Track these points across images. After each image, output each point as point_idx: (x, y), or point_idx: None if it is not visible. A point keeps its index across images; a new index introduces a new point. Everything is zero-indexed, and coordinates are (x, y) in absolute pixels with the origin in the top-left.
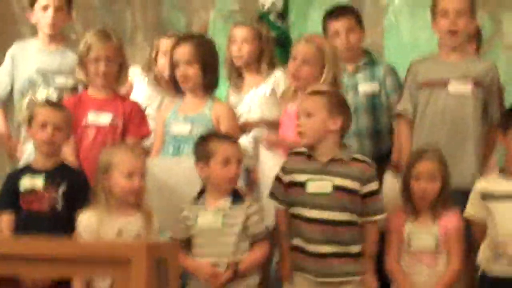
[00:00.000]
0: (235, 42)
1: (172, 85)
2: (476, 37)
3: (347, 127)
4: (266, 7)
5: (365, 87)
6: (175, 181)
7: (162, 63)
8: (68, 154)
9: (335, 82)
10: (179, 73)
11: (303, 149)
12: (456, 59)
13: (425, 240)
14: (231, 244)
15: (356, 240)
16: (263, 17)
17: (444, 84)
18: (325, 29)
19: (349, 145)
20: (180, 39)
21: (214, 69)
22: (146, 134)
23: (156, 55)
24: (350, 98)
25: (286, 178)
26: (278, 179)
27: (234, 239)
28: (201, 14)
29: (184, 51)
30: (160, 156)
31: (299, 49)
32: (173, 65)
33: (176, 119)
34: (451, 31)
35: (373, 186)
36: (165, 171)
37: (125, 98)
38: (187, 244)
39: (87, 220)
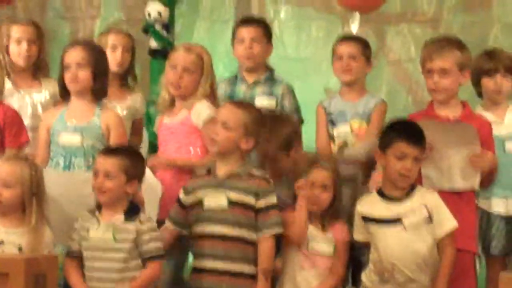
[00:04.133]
0: (116, 49)
1: (59, 90)
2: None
3: (255, 147)
4: (152, 17)
5: (263, 100)
6: (67, 195)
7: (15, 51)
8: None
9: (211, 90)
10: (68, 74)
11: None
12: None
13: (322, 245)
14: (119, 260)
15: (250, 260)
16: (148, 27)
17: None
18: (233, 36)
19: (249, 160)
20: (73, 43)
21: (104, 76)
22: (24, 143)
23: (8, 43)
24: None
25: (188, 199)
26: (178, 201)
27: (123, 255)
28: (87, 23)
29: (76, 54)
30: (51, 168)
31: (179, 58)
32: (62, 68)
33: (65, 128)
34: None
35: (269, 200)
36: (58, 185)
37: (1, 105)
38: (81, 256)
39: None
